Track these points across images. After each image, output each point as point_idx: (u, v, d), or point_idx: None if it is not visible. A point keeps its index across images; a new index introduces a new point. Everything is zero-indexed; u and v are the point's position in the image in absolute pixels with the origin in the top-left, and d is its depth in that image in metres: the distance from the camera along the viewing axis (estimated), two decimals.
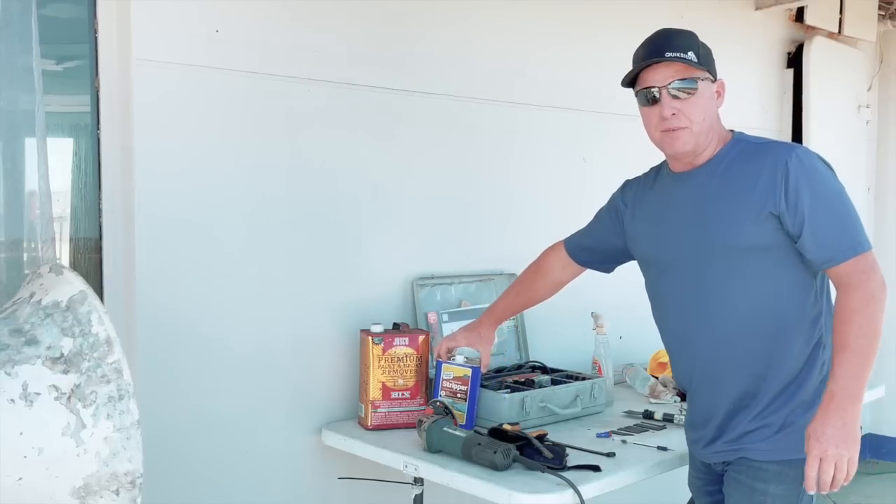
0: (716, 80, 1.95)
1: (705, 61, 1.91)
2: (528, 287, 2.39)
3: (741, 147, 1.94)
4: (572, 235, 2.33)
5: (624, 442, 2.26)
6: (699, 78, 1.89)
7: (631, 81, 1.96)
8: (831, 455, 1.73)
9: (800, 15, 4.15)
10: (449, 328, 2.72)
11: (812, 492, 1.78)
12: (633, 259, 2.18)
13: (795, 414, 1.90)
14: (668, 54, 1.87)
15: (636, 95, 1.96)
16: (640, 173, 2.19)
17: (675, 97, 1.88)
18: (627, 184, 2.20)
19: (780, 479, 1.90)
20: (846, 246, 1.81)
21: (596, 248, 2.26)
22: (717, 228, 1.91)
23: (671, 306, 2.05)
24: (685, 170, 1.99)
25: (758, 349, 1.91)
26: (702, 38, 1.97)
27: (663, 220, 2.03)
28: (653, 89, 1.90)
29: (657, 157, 2.11)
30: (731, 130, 2.00)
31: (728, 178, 1.91)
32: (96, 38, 2.15)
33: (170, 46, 2.18)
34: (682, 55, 1.86)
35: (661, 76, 1.89)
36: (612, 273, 2.32)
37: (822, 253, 1.83)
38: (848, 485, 1.77)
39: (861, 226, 1.85)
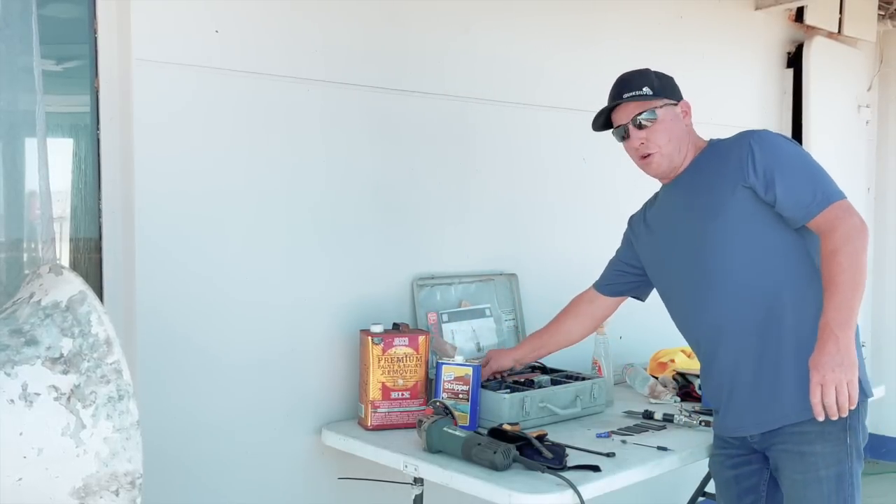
0: (678, 102, 2.19)
1: (662, 91, 2.16)
2: (558, 326, 2.53)
3: (713, 147, 2.18)
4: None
5: (624, 442, 2.26)
6: (657, 107, 2.14)
7: (605, 125, 2.23)
8: (829, 380, 1.83)
9: (799, 15, 4.15)
10: (449, 328, 2.72)
11: (821, 418, 1.86)
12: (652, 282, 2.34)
13: None
14: (626, 95, 2.16)
15: (613, 135, 2.22)
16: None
17: (639, 128, 2.14)
18: (631, 217, 2.42)
19: (824, 438, 1.98)
20: (819, 199, 1.96)
21: (616, 281, 2.44)
22: (703, 210, 2.10)
23: (680, 296, 2.19)
24: (672, 179, 2.21)
25: (759, 310, 2.02)
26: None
27: (662, 225, 2.26)
28: (620, 127, 2.18)
29: None
30: (710, 140, 2.21)
31: (706, 171, 2.13)
32: (96, 39, 2.15)
33: (170, 47, 2.18)
34: (637, 92, 2.14)
35: (624, 115, 2.16)
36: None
37: (797, 210, 1.99)
38: (854, 409, 1.85)
39: (829, 179, 2.01)
